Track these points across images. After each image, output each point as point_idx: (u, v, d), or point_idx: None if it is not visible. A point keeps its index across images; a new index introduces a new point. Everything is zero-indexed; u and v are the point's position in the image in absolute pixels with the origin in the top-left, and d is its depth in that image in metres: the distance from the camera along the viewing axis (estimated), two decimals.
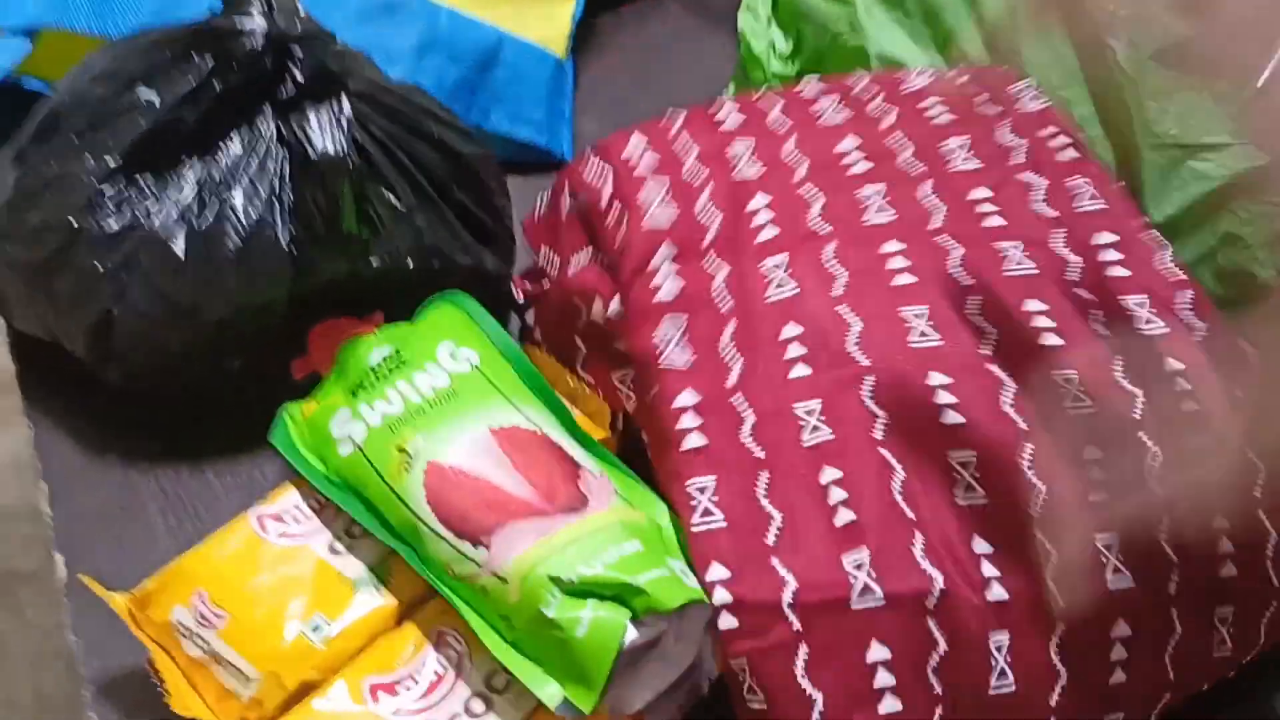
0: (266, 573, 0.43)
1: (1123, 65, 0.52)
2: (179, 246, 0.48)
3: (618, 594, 0.39)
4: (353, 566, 0.43)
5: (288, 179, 0.49)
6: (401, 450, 0.43)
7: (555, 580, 0.39)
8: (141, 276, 0.48)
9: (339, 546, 0.44)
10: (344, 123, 0.49)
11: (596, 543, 0.40)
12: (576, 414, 0.48)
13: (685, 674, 0.44)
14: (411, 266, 0.51)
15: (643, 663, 0.40)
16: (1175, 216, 0.51)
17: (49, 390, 0.54)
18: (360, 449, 0.44)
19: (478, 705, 0.40)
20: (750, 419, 0.42)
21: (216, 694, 0.42)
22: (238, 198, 0.48)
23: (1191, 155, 0.51)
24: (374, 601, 0.43)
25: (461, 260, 0.52)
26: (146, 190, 0.48)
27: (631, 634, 0.39)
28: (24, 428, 0.53)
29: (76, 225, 0.48)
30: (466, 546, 0.41)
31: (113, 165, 0.48)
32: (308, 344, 0.50)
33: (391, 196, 0.50)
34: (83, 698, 0.45)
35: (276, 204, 0.49)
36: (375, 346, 0.47)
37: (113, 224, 0.48)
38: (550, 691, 0.39)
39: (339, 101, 0.49)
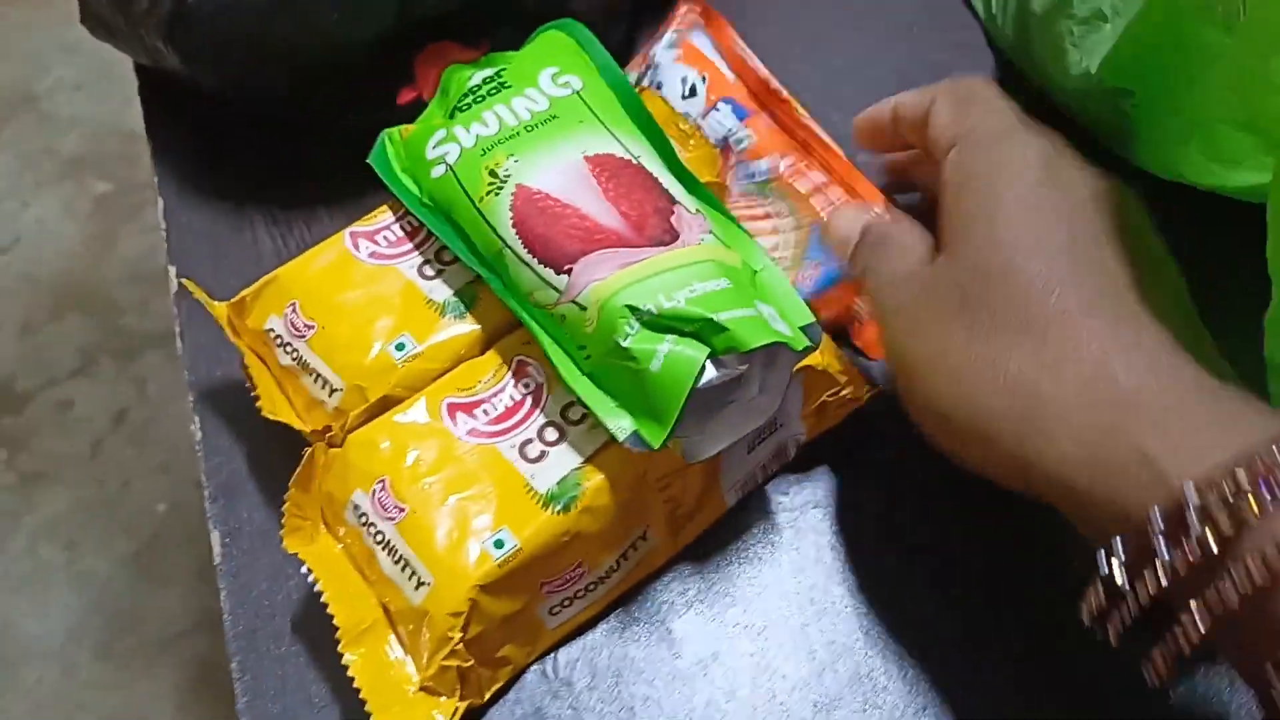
0: (356, 289, 0.43)
1: None
2: None
3: (698, 330, 0.37)
4: (440, 291, 0.43)
5: None
6: (492, 172, 0.41)
7: (633, 310, 0.37)
8: None
9: (429, 270, 0.43)
10: None
11: (681, 276, 0.38)
12: (684, 155, 0.46)
13: (768, 430, 0.43)
14: None
15: (721, 409, 0.39)
16: None
17: (170, 119, 0.54)
18: (452, 170, 0.42)
19: (551, 434, 0.40)
20: None
21: (305, 402, 0.42)
22: None
23: None
24: (459, 327, 0.42)
25: None
26: None
27: (710, 372, 0.37)
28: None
29: None
30: (548, 273, 0.39)
31: None
32: (414, 71, 0.48)
33: None
34: (188, 404, 0.46)
35: None
36: (478, 70, 0.45)
37: None
38: (621, 424, 0.38)
39: None
